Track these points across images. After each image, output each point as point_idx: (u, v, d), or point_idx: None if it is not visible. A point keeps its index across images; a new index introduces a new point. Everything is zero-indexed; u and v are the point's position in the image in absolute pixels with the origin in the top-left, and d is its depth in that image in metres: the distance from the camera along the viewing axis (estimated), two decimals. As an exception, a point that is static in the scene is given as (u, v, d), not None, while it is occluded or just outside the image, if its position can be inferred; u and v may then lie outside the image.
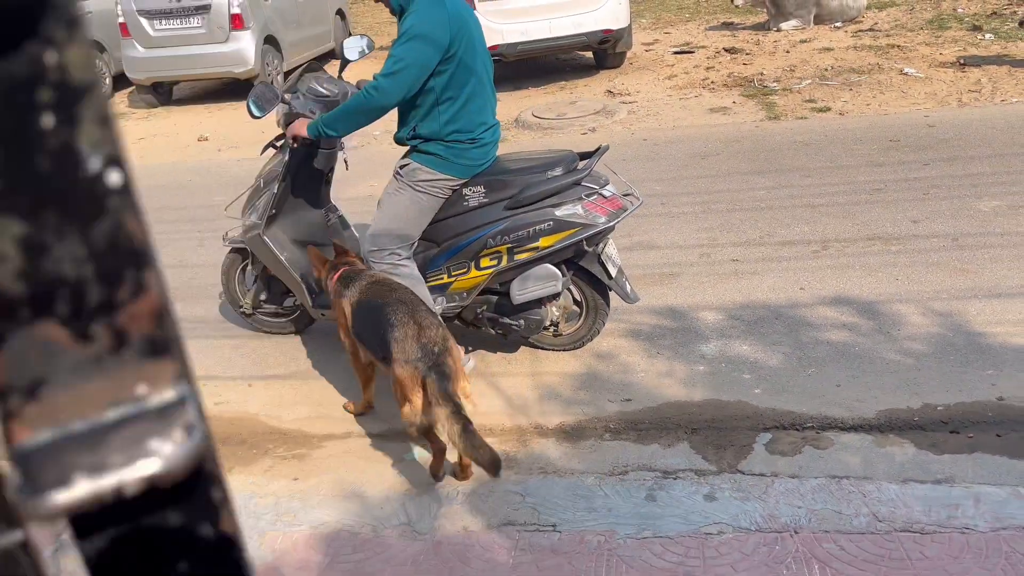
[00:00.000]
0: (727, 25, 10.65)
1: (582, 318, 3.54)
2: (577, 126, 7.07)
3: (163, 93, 9.85)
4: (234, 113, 8.84)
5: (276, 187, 3.47)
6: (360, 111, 3.03)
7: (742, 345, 3.53)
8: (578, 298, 3.51)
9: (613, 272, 3.33)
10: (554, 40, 8.26)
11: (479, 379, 3.48)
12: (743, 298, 3.91)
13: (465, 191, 3.21)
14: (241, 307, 3.91)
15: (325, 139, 3.27)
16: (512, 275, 3.29)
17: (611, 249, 3.38)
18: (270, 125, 3.90)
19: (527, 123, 7.25)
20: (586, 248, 3.22)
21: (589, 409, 3.22)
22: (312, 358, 3.82)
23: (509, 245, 3.21)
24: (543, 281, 3.23)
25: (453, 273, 3.31)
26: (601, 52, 8.99)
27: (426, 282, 3.34)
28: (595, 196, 3.21)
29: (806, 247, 4.35)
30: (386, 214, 3.20)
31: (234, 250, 3.84)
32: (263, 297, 3.85)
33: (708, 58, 9.03)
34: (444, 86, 3.02)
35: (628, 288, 3.43)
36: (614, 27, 8.30)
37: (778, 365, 3.36)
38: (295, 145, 3.32)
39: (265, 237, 3.50)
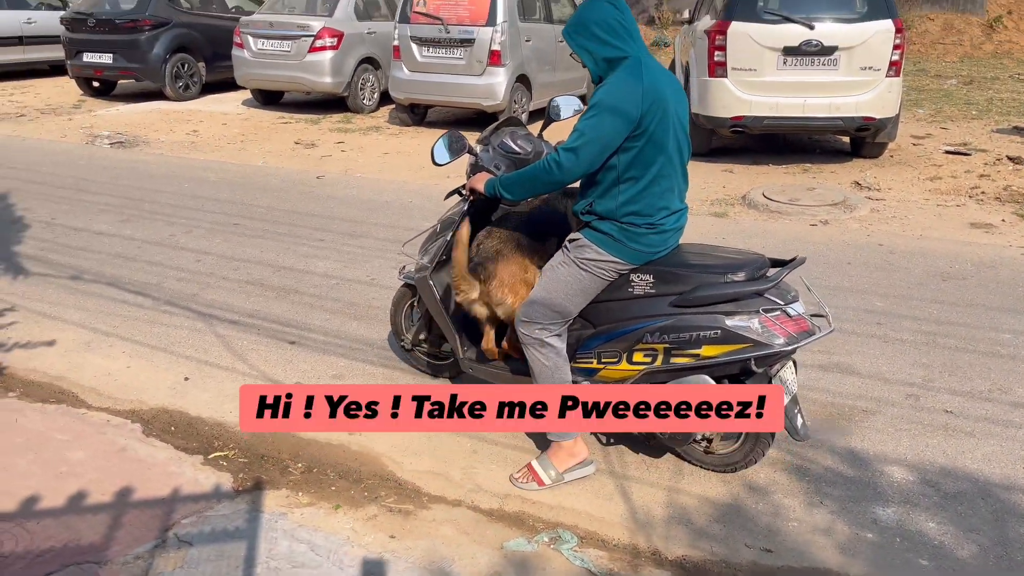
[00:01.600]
0: (1019, 130, 9.40)
1: (739, 441, 3.13)
2: (808, 215, 6.49)
3: (418, 114, 10.48)
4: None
5: (450, 235, 3.42)
6: (537, 181, 2.89)
7: (929, 520, 2.93)
8: (739, 417, 3.10)
9: (784, 400, 2.91)
10: (806, 120, 7.70)
11: (608, 478, 3.19)
12: (947, 461, 3.28)
13: (633, 276, 2.95)
14: (402, 341, 3.92)
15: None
16: (664, 378, 2.97)
17: (787, 374, 2.95)
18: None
19: (754, 202, 6.79)
20: (754, 368, 2.84)
21: (720, 549, 2.81)
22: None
23: (667, 345, 2.90)
24: None
25: (603, 360, 3.06)
26: (859, 139, 8.28)
27: (574, 363, 3.12)
28: (777, 312, 2.82)
29: (1047, 416, 3.59)
30: (545, 286, 3.02)
31: (407, 285, 3.85)
32: (422, 336, 3.82)
33: (985, 164, 7.99)
34: (628, 164, 2.79)
35: (799, 422, 2.98)
36: (877, 116, 7.59)
37: (968, 558, 2.75)
38: (472, 198, 3.25)
39: (431, 281, 3.46)
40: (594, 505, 3.04)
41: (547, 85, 10.37)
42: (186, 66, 12.13)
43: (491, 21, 9.36)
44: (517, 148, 3.45)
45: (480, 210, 3.44)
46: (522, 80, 9.81)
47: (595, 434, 3.49)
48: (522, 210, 3.36)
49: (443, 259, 3.48)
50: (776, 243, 5.82)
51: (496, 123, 3.67)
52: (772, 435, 3.07)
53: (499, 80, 9.45)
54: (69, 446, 3.42)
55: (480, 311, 3.25)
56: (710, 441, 3.13)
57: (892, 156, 8.41)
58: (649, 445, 3.34)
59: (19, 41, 14.15)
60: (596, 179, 2.87)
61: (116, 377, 4.00)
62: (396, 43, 9.89)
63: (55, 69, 14.48)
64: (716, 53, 7.74)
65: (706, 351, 2.84)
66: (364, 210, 6.70)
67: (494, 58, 9.40)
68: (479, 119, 10.21)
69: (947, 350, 4.19)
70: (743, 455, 3.12)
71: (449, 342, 3.59)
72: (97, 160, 8.54)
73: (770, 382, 2.88)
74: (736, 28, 7.64)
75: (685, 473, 3.22)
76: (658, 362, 2.94)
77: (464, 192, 3.33)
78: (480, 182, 3.12)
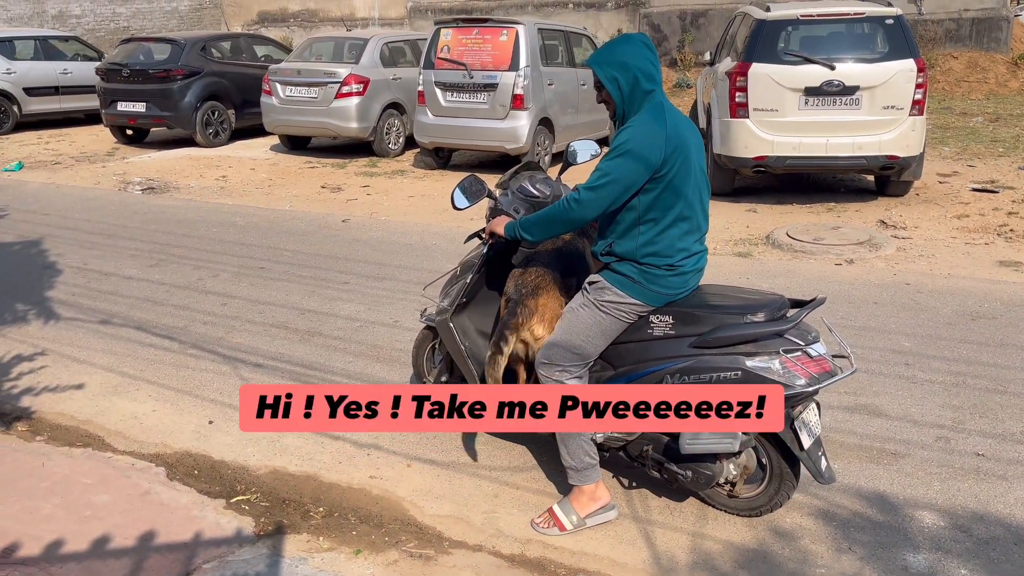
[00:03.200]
0: (1047, 167, 9.30)
1: (764, 483, 3.08)
2: (833, 254, 6.44)
3: (442, 158, 10.62)
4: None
5: (470, 277, 3.44)
6: (557, 220, 2.91)
7: (961, 567, 2.85)
8: (763, 459, 3.06)
9: (807, 443, 2.86)
10: (829, 159, 7.69)
11: (631, 522, 3.14)
12: (979, 506, 3.20)
13: (652, 318, 2.94)
14: (424, 383, 3.93)
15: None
16: None
17: (810, 416, 2.91)
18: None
19: (778, 242, 6.76)
20: None
21: (745, 596, 2.75)
22: (479, 449, 3.70)
23: None
24: (718, 436, 2.85)
25: None
26: (883, 177, 8.24)
27: None
28: (798, 353, 2.79)
29: (1083, 459, 3.49)
30: (565, 328, 3.02)
31: (428, 327, 3.87)
32: (444, 379, 3.83)
33: (1014, 202, 7.90)
34: (648, 206, 2.81)
35: (823, 465, 2.93)
36: (901, 154, 7.56)
37: (1004, 608, 2.66)
38: (491, 241, 3.27)
39: (451, 324, 3.48)
40: (617, 550, 3.00)
41: (570, 128, 10.46)
42: (216, 113, 12.42)
43: (514, 66, 9.50)
44: (536, 192, 3.48)
45: (499, 253, 3.46)
46: (545, 123, 9.92)
47: (617, 477, 3.46)
48: (548, 248, 3.37)
49: (463, 301, 3.49)
50: (801, 283, 5.78)
51: (515, 168, 3.71)
52: (796, 478, 3.02)
53: (522, 123, 9.56)
54: (94, 490, 3.45)
55: (511, 345, 3.20)
56: (734, 484, 3.08)
57: (918, 194, 8.35)
58: (672, 489, 3.30)
59: (55, 91, 14.59)
60: (616, 220, 2.89)
61: (142, 420, 4.04)
62: (421, 88, 10.07)
63: (90, 118, 14.88)
64: (737, 94, 7.79)
65: None
66: (388, 253, 6.77)
67: (517, 102, 9.53)
68: (502, 162, 10.31)
69: (978, 391, 4.11)
70: (768, 499, 3.07)
71: (469, 384, 3.59)
72: (128, 206, 8.73)
73: (792, 424, 2.85)
74: (757, 69, 7.68)
75: (709, 518, 3.17)
76: None
77: (484, 236, 3.35)
78: (499, 225, 3.14)
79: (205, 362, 4.68)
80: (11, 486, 3.47)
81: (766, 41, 7.78)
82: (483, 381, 3.27)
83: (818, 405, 2.99)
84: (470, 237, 3.60)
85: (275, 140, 12.52)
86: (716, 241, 6.94)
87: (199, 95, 12.11)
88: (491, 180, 3.64)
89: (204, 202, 8.89)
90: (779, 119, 7.68)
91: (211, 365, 4.64)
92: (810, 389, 2.75)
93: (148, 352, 4.82)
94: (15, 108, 14.16)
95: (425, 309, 3.92)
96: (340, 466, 3.62)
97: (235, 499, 3.40)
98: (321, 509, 3.32)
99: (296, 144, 12.19)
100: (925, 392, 4.12)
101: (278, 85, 11.22)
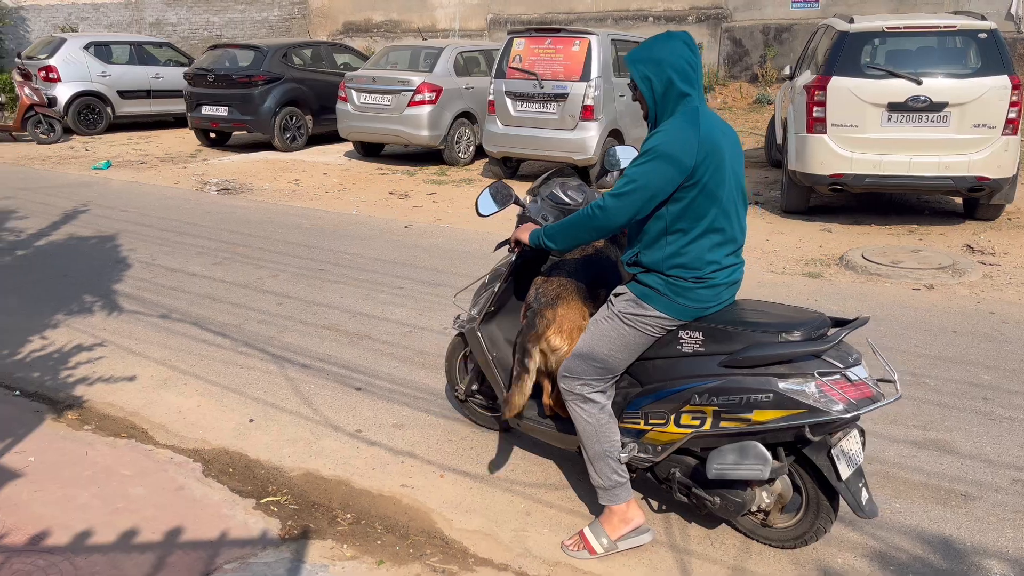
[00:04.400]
0: None
1: (800, 513, 2.86)
2: (912, 279, 6.08)
3: (510, 167, 10.57)
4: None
5: (497, 286, 3.34)
6: (582, 228, 2.78)
7: (1032, 626, 2.58)
8: (800, 488, 2.84)
9: (845, 473, 2.64)
10: (912, 179, 7.29)
11: (666, 551, 2.96)
12: (1057, 559, 2.90)
13: (681, 333, 2.77)
14: (456, 391, 3.84)
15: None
16: (714, 442, 2.76)
17: (851, 444, 2.68)
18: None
19: (852, 264, 6.42)
20: (810, 437, 2.59)
21: (785, 640, 2.54)
22: (513, 463, 3.58)
23: (716, 408, 2.70)
24: (746, 461, 2.66)
25: (651, 421, 2.87)
26: (972, 200, 7.78)
27: (622, 422, 2.94)
28: (836, 376, 2.57)
29: None
30: (588, 340, 2.88)
31: (460, 335, 3.78)
32: (475, 387, 3.73)
33: (1117, 230, 7.34)
34: (677, 215, 2.65)
35: (864, 497, 2.69)
36: (992, 176, 7.11)
37: (1080, 676, 2.38)
38: (517, 249, 3.16)
39: (479, 332, 3.38)
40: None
41: (639, 140, 10.25)
42: (294, 119, 12.69)
43: (585, 77, 9.38)
44: (567, 199, 3.35)
45: (529, 261, 3.35)
46: (614, 135, 9.76)
47: (646, 498, 3.28)
48: (575, 256, 3.25)
49: (491, 310, 3.39)
50: (872, 307, 5.46)
51: (547, 174, 3.59)
52: (835, 510, 2.79)
53: (591, 134, 9.43)
54: (131, 482, 3.47)
55: (536, 360, 3.11)
56: (767, 513, 2.87)
57: (1010, 219, 7.85)
58: (701, 515, 3.10)
59: (147, 95, 15.19)
60: (644, 229, 2.74)
61: (185, 415, 4.06)
62: (491, 98, 10.04)
63: (178, 121, 15.44)
64: (815, 109, 7.48)
65: (757, 416, 2.62)
66: (447, 260, 6.72)
67: (587, 113, 9.40)
68: (571, 173, 10.19)
69: (1063, 432, 3.77)
70: (803, 531, 2.85)
71: (496, 394, 3.49)
72: (203, 205, 8.96)
73: (829, 453, 2.63)
74: (837, 83, 7.36)
75: (753, 551, 2.96)
76: (707, 426, 2.74)
77: (511, 244, 3.24)
78: (525, 233, 3.03)
79: (254, 360, 4.70)
80: (54, 473, 3.52)
81: (848, 54, 7.45)
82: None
83: (862, 432, 2.76)
84: (499, 245, 3.50)
85: (350, 146, 12.70)
86: (786, 260, 6.65)
87: (278, 100, 12.39)
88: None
89: (275, 204, 9.05)
90: (859, 135, 7.33)
91: (259, 363, 4.65)
92: (847, 416, 2.53)
93: (200, 348, 4.87)
94: (109, 110, 14.79)
95: (459, 316, 3.83)
96: (373, 472, 3.55)
97: (265, 500, 3.36)
98: (349, 516, 3.25)
99: (369, 151, 12.34)
100: (1003, 430, 3.80)
101: (353, 92, 11.38)
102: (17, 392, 4.32)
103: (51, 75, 14.17)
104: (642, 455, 2.94)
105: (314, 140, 13.22)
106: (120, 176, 10.83)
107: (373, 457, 3.67)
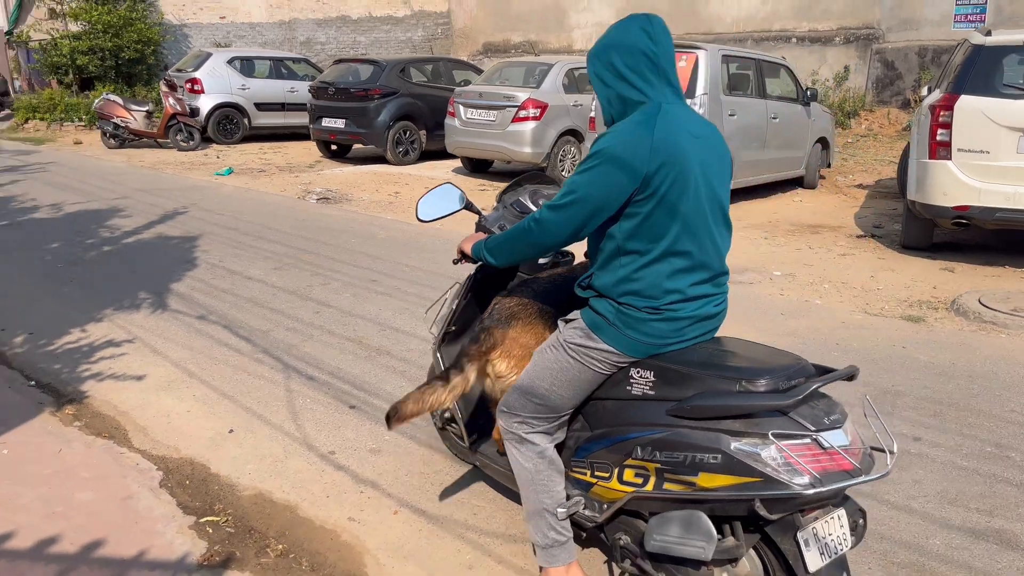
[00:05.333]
0: None
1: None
2: (1034, 331, 5.14)
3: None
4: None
5: (456, 303, 2.95)
6: (519, 242, 2.36)
7: None
8: (770, 571, 2.25)
9: (815, 564, 2.04)
10: (1053, 215, 6.24)
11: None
12: None
13: (633, 372, 2.28)
14: (434, 418, 3.47)
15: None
16: (659, 507, 2.24)
17: (831, 528, 2.08)
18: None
19: (964, 309, 5.52)
20: (765, 515, 2.02)
21: None
22: (478, 506, 3.16)
23: (659, 466, 2.18)
24: (687, 535, 2.12)
25: (596, 473, 2.39)
26: None
27: (570, 470, 2.48)
28: (805, 441, 1.99)
29: None
30: (530, 372, 2.44)
31: (442, 356, 3.41)
32: (447, 415, 3.34)
33: None
34: (630, 233, 2.19)
35: None
36: None
37: None
38: (461, 261, 2.76)
39: (439, 354, 3.01)
40: None
41: (753, 164, 9.53)
42: (408, 133, 12.79)
43: (689, 93, 8.79)
44: (532, 207, 2.92)
45: (495, 277, 2.94)
46: (721, 156, 9.08)
47: (608, 564, 2.77)
48: (546, 276, 2.81)
49: (452, 329, 3.01)
50: (972, 361, 4.62)
51: (518, 178, 3.16)
52: None
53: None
54: (85, 485, 3.33)
55: (468, 378, 2.70)
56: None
57: None
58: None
59: (281, 107, 15.87)
60: (600, 247, 2.29)
61: (171, 420, 3.93)
62: (592, 114, 9.65)
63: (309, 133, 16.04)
64: (939, 131, 6.57)
65: (703, 480, 2.08)
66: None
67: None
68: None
69: None
70: None
71: (456, 422, 3.09)
72: (295, 212, 9.08)
73: (795, 539, 2.05)
74: (965, 103, 6.44)
75: (714, 650, 2.40)
76: (649, 486, 2.22)
77: (457, 255, 2.83)
78: (469, 243, 2.63)
79: (264, 368, 4.53)
80: (15, 469, 3.45)
81: (982, 70, 6.51)
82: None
83: (862, 513, 2.15)
84: (457, 260, 3.10)
85: (460, 162, 12.65)
86: (887, 300, 5.83)
87: (393, 114, 12.53)
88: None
89: (365, 214, 9.04)
90: (990, 163, 6.37)
91: (267, 372, 4.48)
92: (809, 493, 1.95)
93: (219, 351, 4.76)
94: (245, 121, 15.55)
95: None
96: (326, 501, 3.24)
97: (206, 519, 3.12)
98: (281, 546, 2.95)
99: (477, 167, 12.23)
100: (1100, 528, 2.99)
101: (461, 107, 11.30)
102: (33, 382, 4.36)
103: (196, 87, 15.07)
104: (587, 512, 2.46)
105: (428, 155, 13.27)
106: (235, 182, 11.25)
107: (332, 484, 3.36)
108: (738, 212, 9.03)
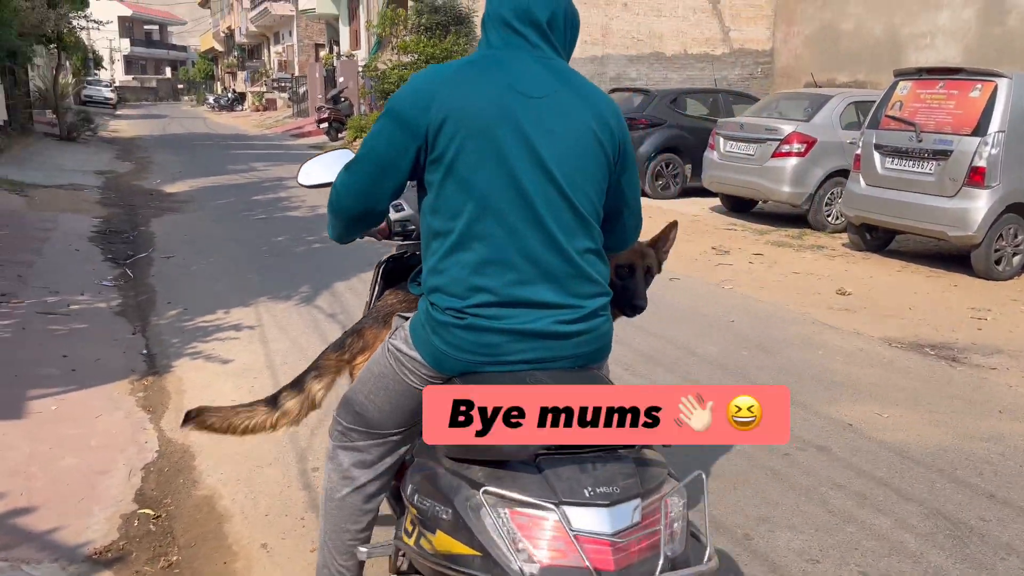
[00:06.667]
0: None
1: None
2: None
3: (876, 239, 8.45)
4: (934, 283, 7.08)
5: (369, 300, 2.44)
6: (328, 211, 1.84)
7: None
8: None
9: None
10: None
11: None
12: None
13: None
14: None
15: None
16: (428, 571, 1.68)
17: None
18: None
19: None
20: None
21: None
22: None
23: (416, 514, 1.67)
24: None
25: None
26: None
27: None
28: (548, 513, 1.40)
29: None
30: (360, 376, 1.95)
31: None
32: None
33: None
34: (430, 209, 1.70)
35: None
36: None
37: None
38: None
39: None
40: None
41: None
42: (670, 166, 12.11)
43: (980, 130, 7.06)
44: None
45: (388, 274, 2.37)
46: (1016, 209, 7.17)
47: None
48: None
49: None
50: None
51: None
52: None
53: (976, 205, 7.04)
54: (78, 454, 3.36)
55: (323, 387, 2.22)
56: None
57: None
58: None
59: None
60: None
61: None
62: (858, 151, 8.22)
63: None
64: None
65: (438, 541, 1.57)
66: (669, 321, 5.54)
67: (974, 176, 7.06)
68: (945, 257, 7.83)
69: None
70: None
71: None
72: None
73: None
74: None
75: None
76: (412, 539, 1.68)
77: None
78: None
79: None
80: (44, 427, 3.58)
81: None
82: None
83: None
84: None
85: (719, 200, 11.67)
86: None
87: (655, 146, 11.94)
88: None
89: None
90: None
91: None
92: None
93: (316, 348, 4.64)
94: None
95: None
96: (264, 519, 2.89)
97: (144, 510, 2.93)
98: (175, 559, 2.64)
99: (738, 206, 11.09)
100: None
101: (721, 139, 10.39)
102: (145, 351, 4.60)
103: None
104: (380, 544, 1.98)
105: (691, 192, 12.44)
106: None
107: (283, 503, 2.99)
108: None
